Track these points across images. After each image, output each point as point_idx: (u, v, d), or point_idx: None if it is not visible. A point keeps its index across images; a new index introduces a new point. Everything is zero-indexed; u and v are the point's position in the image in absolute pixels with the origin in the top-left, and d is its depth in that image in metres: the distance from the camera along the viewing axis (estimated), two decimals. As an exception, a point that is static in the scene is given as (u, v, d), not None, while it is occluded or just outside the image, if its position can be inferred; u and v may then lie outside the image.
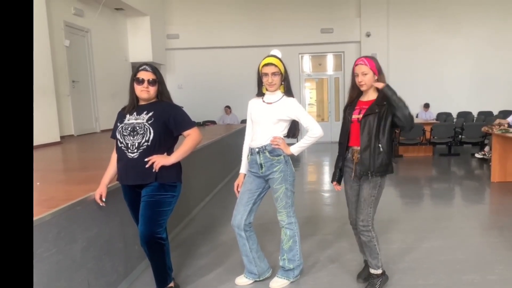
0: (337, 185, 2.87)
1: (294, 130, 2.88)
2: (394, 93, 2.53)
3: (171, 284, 2.70)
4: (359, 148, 2.62)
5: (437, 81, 11.87)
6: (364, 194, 2.64)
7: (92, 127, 8.28)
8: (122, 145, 2.50)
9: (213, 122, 11.58)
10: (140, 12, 9.76)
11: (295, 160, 2.83)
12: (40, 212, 2.11)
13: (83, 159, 4.92)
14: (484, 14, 11.57)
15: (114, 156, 2.63)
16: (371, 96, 2.65)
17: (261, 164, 2.78)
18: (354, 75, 2.66)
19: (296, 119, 2.78)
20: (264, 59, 2.77)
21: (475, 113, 11.42)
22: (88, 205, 2.52)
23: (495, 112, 11.14)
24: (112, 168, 2.62)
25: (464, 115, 11.21)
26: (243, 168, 2.97)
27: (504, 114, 10.28)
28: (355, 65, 2.64)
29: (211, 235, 4.08)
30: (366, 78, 2.59)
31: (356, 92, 2.71)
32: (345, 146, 2.73)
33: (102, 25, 8.69)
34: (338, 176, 2.84)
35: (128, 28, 10.10)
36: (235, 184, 2.98)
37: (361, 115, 2.61)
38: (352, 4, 11.86)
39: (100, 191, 2.56)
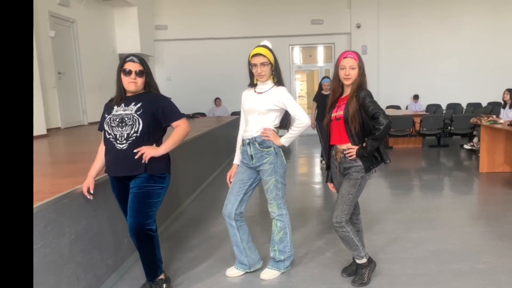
0: (333, 187, 2.88)
1: (286, 121, 2.86)
2: (367, 149, 2.53)
3: (162, 276, 2.68)
4: (340, 146, 2.65)
5: (427, 72, 11.95)
6: (343, 191, 2.63)
7: (79, 120, 8.17)
8: (111, 136, 2.46)
9: (203, 114, 11.51)
10: (128, 2, 9.61)
11: (286, 152, 2.83)
12: (25, 205, 2.07)
13: (70, 152, 4.85)
14: (474, 8, 11.65)
15: (101, 149, 2.59)
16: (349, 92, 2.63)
17: (251, 156, 2.77)
18: (339, 68, 2.61)
19: (283, 107, 2.76)
20: (253, 49, 2.74)
21: (464, 105, 11.53)
22: (75, 198, 2.48)
23: (484, 104, 11.25)
24: (99, 160, 2.58)
25: (454, 107, 11.31)
26: (237, 159, 2.96)
27: (493, 105, 10.41)
28: (343, 57, 2.59)
29: (202, 227, 4.07)
30: (353, 72, 2.56)
31: (339, 87, 2.68)
32: (327, 144, 2.75)
33: (88, 16, 8.54)
34: (330, 177, 2.86)
35: (115, 19, 9.93)
36: (228, 174, 2.98)
37: (337, 114, 2.61)
38: (342, -5, 11.85)
39: (87, 184, 2.52)
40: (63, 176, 2.97)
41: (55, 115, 7.23)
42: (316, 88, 12.74)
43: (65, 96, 7.59)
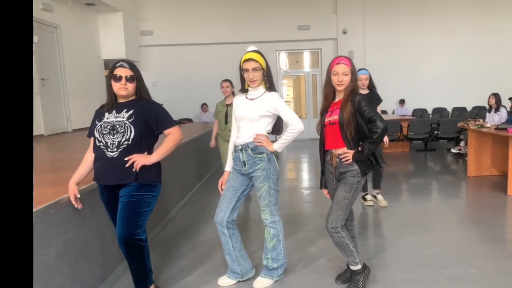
0: (328, 193, 2.84)
1: (278, 126, 2.82)
2: (363, 153, 2.51)
3: (152, 287, 2.60)
4: (335, 151, 2.62)
5: (413, 77, 12.09)
6: (338, 195, 2.60)
7: (63, 127, 7.99)
8: (101, 144, 2.39)
9: (190, 120, 11.42)
10: (112, 7, 9.49)
11: (276, 158, 2.81)
12: (9, 216, 1.97)
13: (55, 160, 4.71)
14: (459, 13, 11.86)
15: (87, 156, 2.51)
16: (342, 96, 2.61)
17: (244, 162, 2.72)
18: (331, 74, 2.59)
19: (276, 113, 2.72)
20: (244, 54, 2.69)
21: (449, 109, 11.68)
22: (62, 207, 2.39)
23: (469, 108, 11.43)
24: (83, 167, 2.50)
25: (439, 111, 11.46)
26: (228, 166, 2.91)
27: (478, 109, 10.58)
28: (336, 63, 2.58)
29: (191, 235, 3.99)
30: (346, 79, 2.55)
31: (332, 93, 2.66)
32: (322, 150, 2.72)
33: (72, 21, 8.40)
34: (324, 182, 2.82)
35: (100, 24, 9.80)
36: (219, 181, 2.91)
37: (331, 118, 2.59)
38: (328, 1, 11.93)
39: (72, 191, 2.41)
40: (48, 185, 2.86)
41: (38, 122, 7.04)
42: (303, 94, 12.88)
43: (49, 102, 7.41)
